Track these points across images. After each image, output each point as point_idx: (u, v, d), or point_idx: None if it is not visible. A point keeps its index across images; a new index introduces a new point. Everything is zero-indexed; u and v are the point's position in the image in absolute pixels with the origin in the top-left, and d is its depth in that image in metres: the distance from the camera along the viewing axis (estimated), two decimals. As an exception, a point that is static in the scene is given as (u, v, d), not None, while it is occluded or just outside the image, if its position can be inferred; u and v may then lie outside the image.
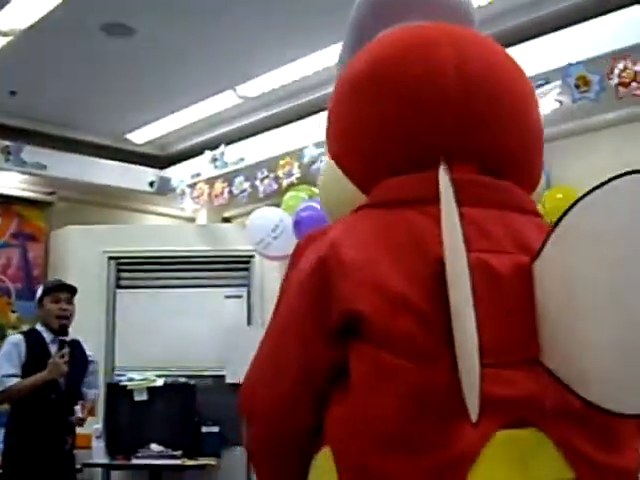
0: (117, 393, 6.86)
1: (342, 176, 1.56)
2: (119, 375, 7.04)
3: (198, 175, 7.26)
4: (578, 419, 1.30)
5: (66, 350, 5.21)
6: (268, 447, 1.48)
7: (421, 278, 1.30)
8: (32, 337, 5.34)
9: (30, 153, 7.02)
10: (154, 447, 6.58)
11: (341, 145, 1.59)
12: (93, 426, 6.67)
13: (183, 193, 7.40)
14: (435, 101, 1.45)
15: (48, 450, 5.13)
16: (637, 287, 1.21)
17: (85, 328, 7.16)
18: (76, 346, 5.48)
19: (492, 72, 1.49)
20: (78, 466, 6.22)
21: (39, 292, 5.46)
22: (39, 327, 5.36)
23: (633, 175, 1.25)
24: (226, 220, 8.21)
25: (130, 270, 7.34)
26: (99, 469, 6.86)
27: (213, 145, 7.08)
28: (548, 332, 1.30)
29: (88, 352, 5.61)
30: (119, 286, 7.32)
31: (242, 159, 6.85)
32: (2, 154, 6.90)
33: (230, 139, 7.00)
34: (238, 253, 7.10)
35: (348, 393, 1.32)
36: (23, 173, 7.19)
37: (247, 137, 6.88)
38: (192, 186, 7.32)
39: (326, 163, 1.69)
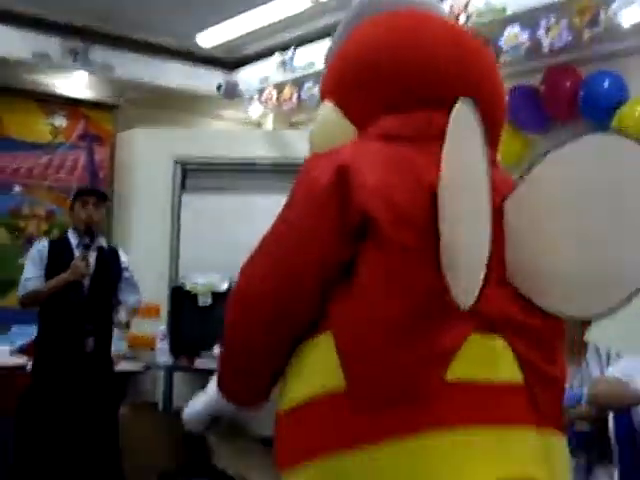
0: (181, 297, 6.91)
1: (341, 116, 1.78)
2: (184, 279, 7.08)
3: (266, 79, 7.14)
4: (532, 333, 1.59)
5: (89, 252, 5.24)
6: (263, 334, 1.66)
7: (420, 205, 1.53)
8: (59, 242, 5.40)
9: (97, 54, 6.95)
10: (217, 351, 6.63)
11: (340, 83, 1.80)
12: (158, 328, 6.74)
13: (251, 97, 7.30)
14: (433, 45, 1.71)
15: (68, 351, 5.23)
16: (591, 215, 1.49)
17: (150, 231, 7.21)
18: (108, 252, 5.51)
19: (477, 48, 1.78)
20: (141, 367, 6.30)
21: (71, 196, 5.49)
22: (70, 232, 5.40)
23: (604, 134, 1.53)
24: (294, 125, 8.11)
25: (196, 174, 7.32)
26: (162, 371, 6.95)
27: (282, 49, 6.95)
28: (513, 256, 1.57)
29: (123, 259, 5.61)
30: (185, 189, 7.31)
31: (312, 64, 6.69)
32: (69, 55, 6.84)
33: (300, 43, 6.85)
34: (304, 160, 6.99)
35: (353, 289, 1.54)
36: (90, 74, 7.13)
37: (318, 41, 6.71)
38: (260, 90, 7.20)
39: (322, 107, 1.84)
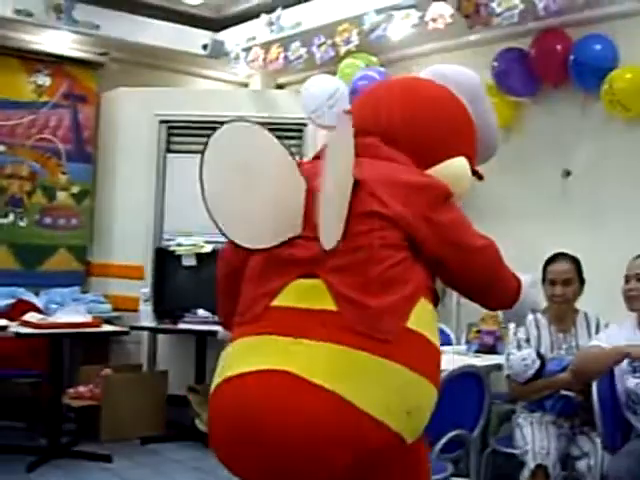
0: (165, 257, 6.87)
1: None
2: (168, 240, 7.04)
3: (253, 39, 7.04)
4: (344, 273, 2.17)
5: None
6: None
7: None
8: None
9: (82, 12, 6.83)
10: (201, 312, 6.61)
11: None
12: (141, 290, 6.70)
13: (237, 57, 7.20)
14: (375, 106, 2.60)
15: None
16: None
17: (134, 192, 7.15)
18: None
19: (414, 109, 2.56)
20: (125, 328, 6.28)
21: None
22: None
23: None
24: (280, 87, 8.03)
25: (181, 134, 7.24)
26: (145, 332, 6.92)
27: (270, 8, 6.85)
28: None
29: None
30: (169, 150, 7.24)
31: (299, 24, 6.60)
32: (53, 12, 6.72)
33: (287, 2, 6.75)
34: (291, 121, 6.95)
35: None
36: (75, 32, 7.01)
37: (305, 1, 6.62)
38: (246, 50, 7.10)
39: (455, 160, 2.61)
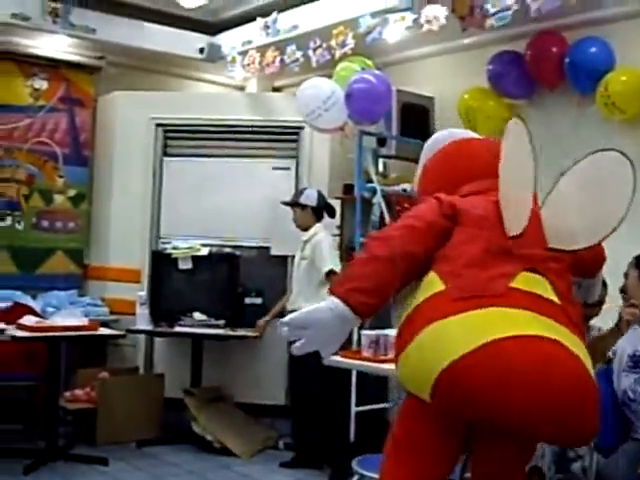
0: (162, 261, 6.87)
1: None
2: (164, 243, 7.04)
3: (249, 42, 7.05)
4: (558, 275, 2.69)
5: None
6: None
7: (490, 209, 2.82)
8: None
9: (79, 16, 6.82)
10: (197, 316, 6.61)
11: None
12: (137, 293, 6.71)
13: (233, 61, 7.20)
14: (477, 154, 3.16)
15: None
16: None
17: (131, 196, 7.16)
18: None
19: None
20: (122, 332, 6.29)
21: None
22: None
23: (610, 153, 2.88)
24: (276, 90, 8.04)
25: (178, 138, 7.24)
26: (142, 335, 6.92)
27: (265, 12, 6.86)
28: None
29: None
30: (166, 154, 7.23)
31: (295, 27, 6.61)
32: (50, 16, 6.72)
33: (283, 6, 6.76)
34: (287, 124, 6.94)
35: (447, 246, 2.73)
36: (71, 36, 7.01)
37: (301, 4, 6.63)
38: (243, 54, 7.11)
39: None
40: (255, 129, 7.04)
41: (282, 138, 7.04)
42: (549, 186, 5.80)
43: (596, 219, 2.71)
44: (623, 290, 4.19)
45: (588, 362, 2.51)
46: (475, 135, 3.42)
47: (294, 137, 7.00)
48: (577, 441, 2.85)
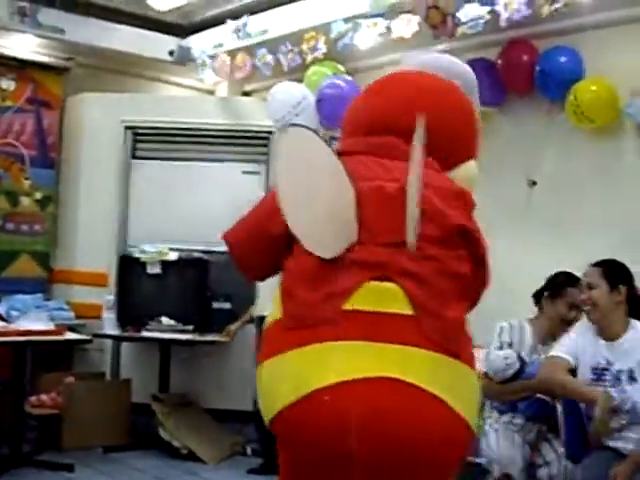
0: (130, 265, 6.82)
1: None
2: (132, 247, 6.98)
3: (220, 46, 7.01)
4: (420, 280, 2.14)
5: None
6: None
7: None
8: None
9: (47, 15, 6.76)
10: (165, 321, 6.57)
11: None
12: (105, 297, 6.65)
13: (204, 64, 7.16)
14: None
15: None
16: None
17: (99, 199, 7.10)
18: None
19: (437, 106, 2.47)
20: (88, 336, 6.23)
21: None
22: None
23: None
24: (247, 94, 8.01)
25: (147, 141, 7.19)
26: (109, 340, 6.86)
27: (236, 15, 6.82)
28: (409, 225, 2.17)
29: None
30: (135, 157, 7.18)
31: (266, 31, 6.59)
32: (18, 15, 6.66)
33: (254, 9, 6.73)
34: (258, 128, 6.92)
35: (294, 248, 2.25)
36: (39, 37, 6.94)
37: (272, 8, 6.61)
38: (213, 57, 7.08)
39: None
40: (225, 133, 7.01)
41: (252, 142, 7.01)
42: (519, 193, 5.86)
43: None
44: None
45: (444, 387, 2.08)
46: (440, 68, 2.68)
47: (264, 142, 6.97)
48: None
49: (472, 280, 2.29)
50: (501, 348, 4.27)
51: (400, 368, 2.04)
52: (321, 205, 2.20)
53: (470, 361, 2.20)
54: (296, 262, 2.24)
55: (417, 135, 2.23)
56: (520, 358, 4.17)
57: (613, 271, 3.85)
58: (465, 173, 2.51)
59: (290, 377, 2.12)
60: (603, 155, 5.55)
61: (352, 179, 2.21)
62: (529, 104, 5.87)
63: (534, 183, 5.83)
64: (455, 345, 2.14)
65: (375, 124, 2.42)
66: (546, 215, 5.77)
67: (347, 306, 2.10)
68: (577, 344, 3.88)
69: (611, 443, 3.70)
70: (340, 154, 2.32)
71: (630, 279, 3.88)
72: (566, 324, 4.26)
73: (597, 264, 3.89)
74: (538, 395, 4.14)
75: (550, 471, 3.96)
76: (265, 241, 2.37)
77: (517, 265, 5.67)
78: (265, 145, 6.99)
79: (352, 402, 2.00)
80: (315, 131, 2.28)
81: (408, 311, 2.10)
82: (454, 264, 2.22)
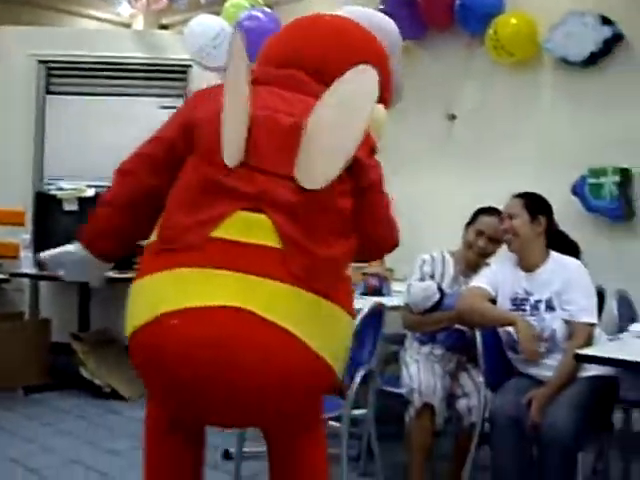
0: (46, 202, 6.67)
1: None
2: (48, 184, 6.84)
3: (136, -22, 6.87)
4: (293, 214, 2.14)
5: None
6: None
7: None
8: None
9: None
10: (84, 259, 6.46)
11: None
12: (21, 236, 6.52)
13: (119, -4, 7.02)
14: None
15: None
16: None
17: (12, 135, 6.92)
18: None
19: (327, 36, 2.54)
20: (5, 276, 6.12)
21: None
22: None
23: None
24: (164, 27, 7.86)
25: (61, 75, 7.00)
26: (27, 279, 6.75)
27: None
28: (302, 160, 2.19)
29: None
30: (49, 92, 6.99)
31: (183, -37, 6.47)
32: None
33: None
34: (175, 62, 6.80)
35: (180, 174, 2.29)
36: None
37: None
38: (129, -11, 6.93)
39: None
40: (142, 67, 6.87)
41: (170, 77, 6.89)
42: (439, 127, 5.88)
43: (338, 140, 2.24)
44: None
45: (297, 321, 2.10)
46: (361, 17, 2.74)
47: (182, 75, 6.86)
48: (263, 423, 2.35)
49: (359, 214, 2.31)
50: (422, 280, 4.30)
51: (253, 299, 2.06)
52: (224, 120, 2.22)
53: (343, 301, 2.22)
54: (177, 188, 2.26)
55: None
56: (440, 289, 4.21)
57: (534, 202, 3.89)
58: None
59: (146, 299, 2.17)
60: (522, 89, 5.60)
61: (251, 106, 2.23)
62: (449, 38, 5.87)
63: (453, 117, 5.86)
64: (323, 283, 2.16)
65: (285, 58, 2.45)
66: (466, 148, 5.82)
67: (215, 233, 2.13)
68: (496, 275, 3.93)
69: (529, 370, 3.78)
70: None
71: (549, 211, 3.93)
72: (483, 256, 4.31)
73: (518, 195, 3.92)
74: (457, 326, 4.19)
75: (469, 402, 4.01)
76: (155, 176, 2.37)
77: (438, 197, 5.73)
78: (183, 79, 6.87)
79: (193, 329, 2.04)
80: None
81: (275, 244, 2.12)
82: (334, 199, 2.23)
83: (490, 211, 4.25)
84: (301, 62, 2.41)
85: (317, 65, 2.39)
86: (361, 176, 2.29)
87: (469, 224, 4.31)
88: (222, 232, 2.12)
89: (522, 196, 3.91)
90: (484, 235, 4.24)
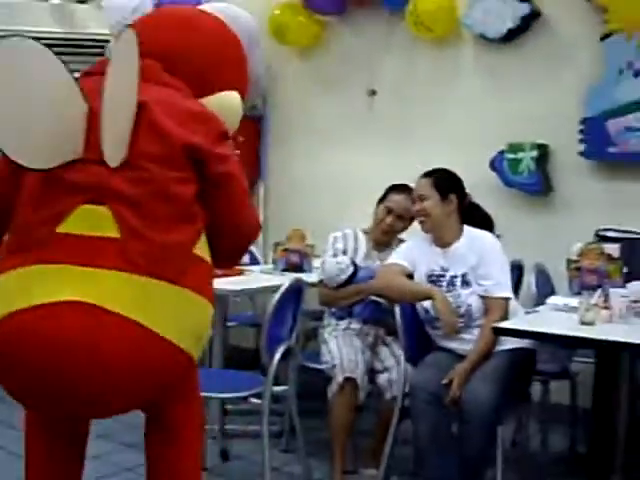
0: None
1: None
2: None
3: (52, -51, 6.70)
4: (133, 202, 2.18)
5: None
6: None
7: None
8: None
9: None
10: None
11: None
12: None
13: (35, -32, 6.84)
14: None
15: None
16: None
17: None
18: None
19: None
20: None
21: None
22: None
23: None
24: (82, 1, 7.69)
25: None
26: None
27: None
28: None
29: None
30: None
31: None
32: None
33: None
34: (93, 37, 6.67)
35: None
36: None
37: None
38: (45, -39, 6.76)
39: None
40: (60, 42, 6.67)
41: (88, 52, 6.75)
42: (360, 103, 5.88)
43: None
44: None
45: (141, 308, 2.14)
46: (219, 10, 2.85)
47: (101, 50, 6.73)
48: (95, 413, 2.37)
49: (216, 205, 2.37)
50: (335, 256, 4.32)
51: (95, 292, 2.10)
52: (44, 118, 2.16)
53: (195, 285, 2.26)
54: (23, 188, 2.27)
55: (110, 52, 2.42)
56: (353, 263, 4.24)
57: (443, 181, 3.90)
58: (219, 101, 2.52)
59: (2, 297, 2.17)
60: (442, 64, 5.62)
61: (87, 97, 2.22)
62: (369, 13, 5.86)
63: (374, 92, 5.86)
64: (168, 269, 2.19)
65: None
66: (387, 124, 5.83)
67: (60, 229, 2.17)
68: (412, 251, 3.95)
69: (449, 344, 3.82)
70: (85, 74, 2.47)
71: (460, 187, 3.95)
72: (391, 233, 4.35)
73: (427, 174, 3.92)
74: (372, 297, 4.22)
75: (390, 376, 4.03)
76: None
77: (360, 174, 5.73)
78: (102, 54, 6.74)
79: (41, 325, 2.07)
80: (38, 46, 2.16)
81: (116, 234, 2.16)
82: (173, 186, 2.26)
83: (401, 188, 4.29)
84: (149, 51, 2.37)
85: (163, 54, 2.45)
86: (207, 164, 2.33)
87: (380, 201, 4.35)
88: (67, 227, 2.17)
89: (430, 175, 3.91)
90: (393, 213, 4.28)
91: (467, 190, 3.99)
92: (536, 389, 4.20)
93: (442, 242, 3.88)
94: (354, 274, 4.21)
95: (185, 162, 2.28)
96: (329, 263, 4.27)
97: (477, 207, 4.08)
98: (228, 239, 2.47)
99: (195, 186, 2.31)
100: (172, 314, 2.19)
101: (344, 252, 4.35)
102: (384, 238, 4.37)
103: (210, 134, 2.34)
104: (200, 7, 2.91)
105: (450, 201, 3.85)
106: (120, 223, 2.17)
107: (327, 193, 6.03)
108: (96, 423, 2.53)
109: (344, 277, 4.20)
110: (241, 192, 2.47)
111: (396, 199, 4.29)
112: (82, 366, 2.07)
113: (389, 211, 4.29)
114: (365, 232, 4.43)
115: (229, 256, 2.61)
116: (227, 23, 2.70)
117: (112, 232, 2.16)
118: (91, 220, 2.17)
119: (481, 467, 3.56)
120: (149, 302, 2.15)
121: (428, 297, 3.76)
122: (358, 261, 4.31)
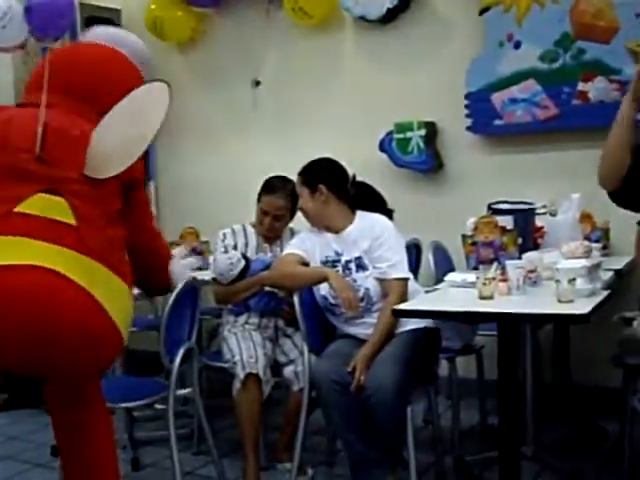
0: None
1: None
2: None
3: None
4: (85, 198, 2.50)
5: None
6: None
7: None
8: None
9: None
10: None
11: None
12: None
13: None
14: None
15: None
16: None
17: None
18: None
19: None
20: None
21: None
22: None
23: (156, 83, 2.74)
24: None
25: None
26: None
27: None
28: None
29: None
30: None
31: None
32: None
33: None
34: None
35: None
36: None
37: None
38: None
39: None
40: None
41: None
42: (245, 95, 5.81)
43: (129, 143, 2.66)
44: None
45: (93, 284, 2.39)
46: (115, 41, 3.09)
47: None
48: (52, 372, 2.52)
49: (133, 206, 2.74)
50: (226, 252, 4.29)
51: (57, 262, 2.35)
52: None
53: (124, 277, 2.54)
54: None
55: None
56: (244, 257, 4.21)
57: (309, 175, 3.89)
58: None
59: None
60: (325, 50, 5.59)
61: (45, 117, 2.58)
62: (248, 4, 5.80)
63: (258, 83, 5.81)
64: (112, 258, 2.51)
65: (57, 85, 2.73)
66: (274, 114, 5.79)
67: (18, 209, 2.42)
68: (305, 242, 3.92)
69: (350, 330, 3.79)
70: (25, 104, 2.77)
71: (329, 175, 3.90)
72: (275, 230, 4.35)
73: (299, 172, 3.93)
74: (267, 289, 4.20)
75: (295, 368, 4.01)
76: None
77: (249, 167, 5.67)
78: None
79: (5, 283, 2.28)
80: None
81: (72, 222, 2.46)
82: (104, 194, 2.59)
83: (271, 188, 4.30)
84: (70, 89, 2.72)
85: (86, 92, 2.73)
86: (134, 180, 2.71)
87: (258, 199, 4.35)
88: (25, 208, 2.42)
89: (301, 172, 3.92)
90: (269, 215, 4.29)
91: (352, 172, 3.96)
92: (443, 366, 4.20)
93: (333, 229, 3.86)
94: (246, 267, 4.19)
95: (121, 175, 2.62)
96: (220, 259, 4.23)
97: (371, 189, 4.05)
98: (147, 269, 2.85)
99: (119, 195, 2.65)
100: (113, 298, 2.45)
101: (235, 247, 4.33)
102: (270, 234, 4.38)
103: None
104: (92, 31, 3.18)
105: (320, 192, 3.82)
106: (76, 212, 2.46)
107: (217, 189, 5.96)
108: None
109: (236, 271, 4.18)
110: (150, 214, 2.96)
111: (267, 200, 4.33)
112: (38, 320, 2.27)
113: (264, 212, 4.30)
114: (254, 225, 4.41)
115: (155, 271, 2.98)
116: (123, 49, 2.95)
117: (69, 219, 2.45)
118: (49, 206, 2.45)
119: (397, 449, 3.54)
120: (99, 284, 2.40)
121: (322, 279, 3.72)
122: (250, 255, 4.29)
